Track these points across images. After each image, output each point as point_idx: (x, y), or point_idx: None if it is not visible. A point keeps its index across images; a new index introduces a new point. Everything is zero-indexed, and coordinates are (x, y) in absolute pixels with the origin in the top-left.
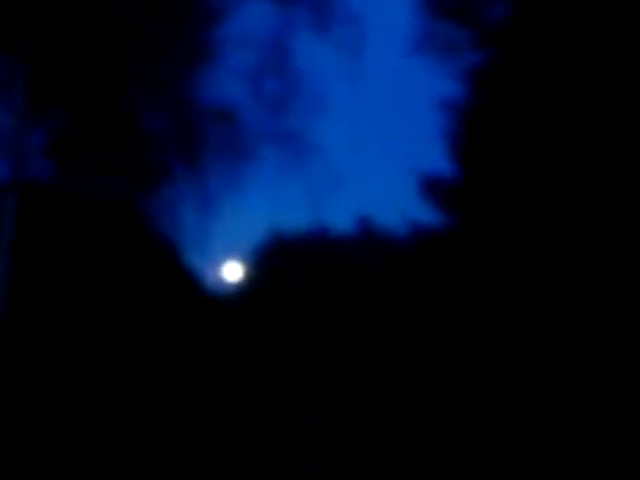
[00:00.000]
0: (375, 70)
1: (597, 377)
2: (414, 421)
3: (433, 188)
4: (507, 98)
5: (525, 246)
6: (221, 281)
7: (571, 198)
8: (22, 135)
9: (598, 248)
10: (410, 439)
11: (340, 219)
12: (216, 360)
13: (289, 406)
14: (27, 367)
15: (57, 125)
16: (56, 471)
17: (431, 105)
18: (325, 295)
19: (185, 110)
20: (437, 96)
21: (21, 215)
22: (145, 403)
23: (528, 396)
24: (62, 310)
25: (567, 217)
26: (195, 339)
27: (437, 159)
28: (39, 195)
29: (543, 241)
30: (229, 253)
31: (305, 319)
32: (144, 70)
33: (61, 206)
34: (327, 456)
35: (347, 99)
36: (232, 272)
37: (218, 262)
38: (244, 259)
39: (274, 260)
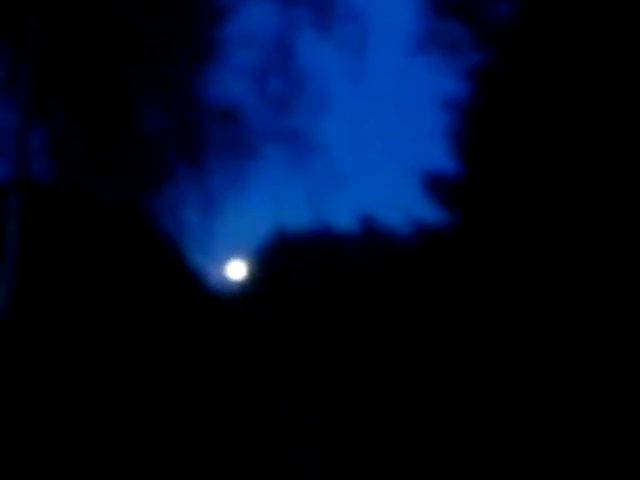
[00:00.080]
0: (378, 69)
1: (597, 374)
2: (414, 421)
3: (436, 186)
4: (510, 96)
5: (528, 244)
6: (225, 280)
7: (574, 196)
8: (25, 135)
9: (599, 251)
10: (410, 439)
11: (343, 217)
12: (219, 359)
13: (289, 406)
14: (31, 365)
15: (59, 125)
16: (57, 472)
17: (434, 103)
18: (328, 294)
19: (188, 109)
20: (440, 95)
21: (23, 215)
22: (147, 402)
23: (529, 396)
24: (66, 309)
25: (570, 214)
26: (198, 338)
27: (440, 157)
28: (41, 195)
29: (546, 239)
30: (232, 252)
31: (308, 318)
32: (147, 70)
33: (63, 206)
34: (327, 456)
35: (350, 98)
36: (236, 271)
37: (221, 261)
38: (247, 258)
39: (277, 259)
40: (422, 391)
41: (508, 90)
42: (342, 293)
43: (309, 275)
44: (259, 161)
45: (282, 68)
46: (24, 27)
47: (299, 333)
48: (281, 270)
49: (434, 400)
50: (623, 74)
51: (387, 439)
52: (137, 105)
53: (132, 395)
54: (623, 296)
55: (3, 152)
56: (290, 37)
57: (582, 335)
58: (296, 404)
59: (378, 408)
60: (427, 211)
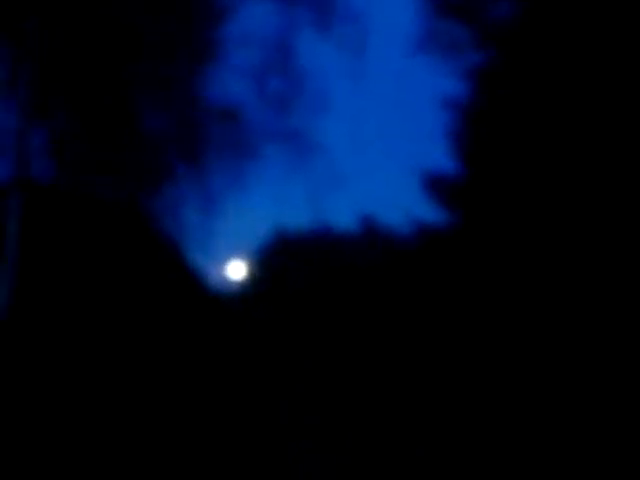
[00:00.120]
0: (378, 69)
1: (597, 373)
2: (414, 421)
3: (436, 186)
4: (510, 96)
5: (528, 244)
6: (225, 280)
7: (574, 196)
8: (25, 135)
9: (599, 250)
10: (410, 439)
11: (343, 217)
12: (219, 359)
13: (289, 406)
14: (31, 365)
15: (59, 125)
16: (57, 472)
17: (434, 103)
18: (328, 294)
19: (188, 109)
20: (440, 95)
21: (23, 215)
22: (148, 401)
23: (529, 396)
24: (66, 309)
25: (570, 214)
26: (199, 338)
27: (440, 157)
28: (41, 195)
29: (546, 238)
30: (232, 252)
31: (308, 318)
32: (147, 70)
33: (63, 206)
34: (327, 456)
35: (350, 98)
36: (236, 271)
37: (222, 261)
38: (247, 258)
39: (277, 259)
40: (422, 391)
41: (508, 90)
42: (342, 293)
43: (309, 275)
44: (259, 161)
45: (282, 68)
46: (24, 27)
47: (299, 333)
48: (281, 270)
49: (434, 400)
50: (623, 74)
51: (387, 439)
52: (137, 105)
53: (132, 395)
54: (623, 295)
55: (3, 152)
56: (290, 37)
57: (582, 335)
58: (296, 404)
59: (378, 408)
60: (427, 211)
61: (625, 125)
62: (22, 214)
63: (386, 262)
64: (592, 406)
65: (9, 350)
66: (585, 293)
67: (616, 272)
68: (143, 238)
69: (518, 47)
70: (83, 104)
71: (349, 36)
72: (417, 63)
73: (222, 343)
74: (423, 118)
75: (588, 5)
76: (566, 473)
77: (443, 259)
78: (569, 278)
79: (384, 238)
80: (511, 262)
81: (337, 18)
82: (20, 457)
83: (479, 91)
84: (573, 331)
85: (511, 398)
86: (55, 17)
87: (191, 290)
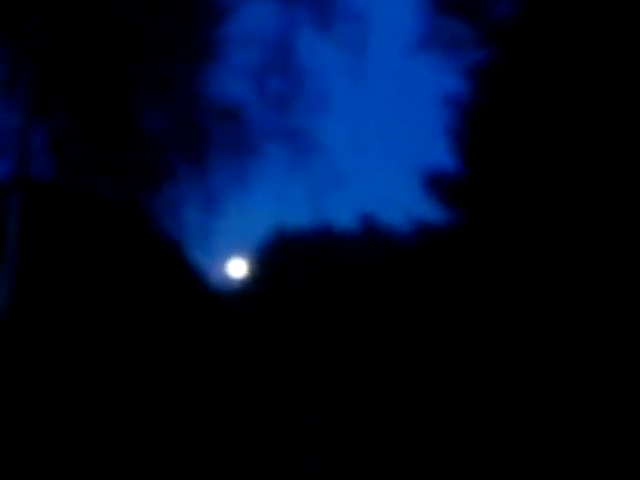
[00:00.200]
0: (378, 67)
1: (597, 373)
2: (414, 421)
3: (437, 185)
4: (511, 95)
5: (529, 243)
6: (225, 278)
7: (575, 195)
8: (26, 134)
9: (599, 251)
10: (410, 439)
11: (344, 216)
12: (219, 357)
13: (289, 406)
14: (31, 365)
15: (59, 124)
16: (57, 472)
17: (435, 102)
18: (328, 292)
19: (189, 109)
20: (441, 93)
21: (23, 214)
22: (148, 401)
23: (529, 395)
24: (66, 309)
25: (571, 213)
26: (199, 336)
27: (441, 156)
28: (41, 194)
29: (547, 237)
30: (233, 250)
31: (308, 316)
32: (147, 70)
33: (63, 206)
34: (327, 456)
35: (351, 97)
36: (236, 269)
37: (222, 259)
38: (248, 256)
39: (278, 257)
40: (422, 391)
41: (509, 88)
42: (342, 292)
43: (309, 274)
44: (259, 160)
45: (282, 68)
46: (24, 27)
47: (299, 332)
48: (281, 269)
49: (434, 400)
50: (624, 73)
51: (387, 439)
52: (137, 105)
53: (133, 394)
54: (623, 295)
55: (3, 151)
56: (290, 36)
57: (582, 334)
58: (296, 404)
59: (378, 408)
60: (427, 210)
61: (626, 124)
62: (22, 213)
63: (386, 261)
64: (592, 406)
65: (9, 350)
66: (586, 292)
67: (617, 271)
68: (143, 238)
69: (520, 45)
70: (83, 104)
71: (349, 35)
72: (418, 61)
73: (223, 342)
74: (424, 116)
75: (590, 3)
76: (566, 473)
77: (444, 258)
78: (570, 276)
79: (384, 237)
80: (512, 261)
81: (337, 17)
82: (20, 457)
83: (480, 89)
84: (574, 330)
85: (511, 398)
86: (55, 17)
87: (192, 289)
